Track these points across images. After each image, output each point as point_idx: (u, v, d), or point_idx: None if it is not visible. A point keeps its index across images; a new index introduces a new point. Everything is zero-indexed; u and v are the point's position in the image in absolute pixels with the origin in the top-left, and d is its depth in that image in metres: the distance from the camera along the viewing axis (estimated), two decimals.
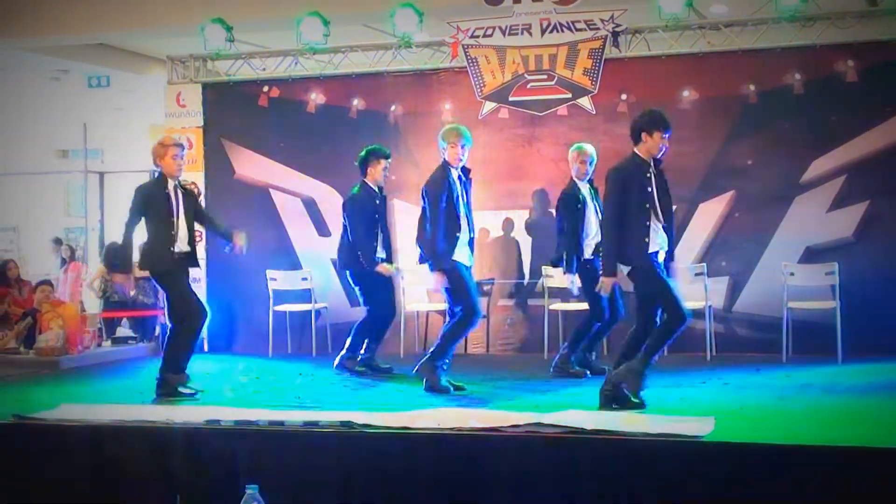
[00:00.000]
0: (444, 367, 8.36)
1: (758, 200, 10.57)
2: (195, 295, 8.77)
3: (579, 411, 7.21)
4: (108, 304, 12.66)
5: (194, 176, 11.84)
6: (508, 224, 11.31)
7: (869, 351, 9.61)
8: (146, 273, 9.02)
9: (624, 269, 7.46)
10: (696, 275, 10.07)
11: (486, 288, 11.10)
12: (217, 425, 7.12)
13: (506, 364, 9.18)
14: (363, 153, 9.58)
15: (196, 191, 9.19)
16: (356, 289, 9.68)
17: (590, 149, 9.27)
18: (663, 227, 7.44)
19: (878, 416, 6.99)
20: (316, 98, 11.76)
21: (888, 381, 8.44)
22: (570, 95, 10.88)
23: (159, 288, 9.14)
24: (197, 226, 8.79)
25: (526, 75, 10.98)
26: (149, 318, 12.16)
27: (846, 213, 10.34)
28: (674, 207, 7.77)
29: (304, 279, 11.13)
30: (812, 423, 6.85)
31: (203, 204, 11.21)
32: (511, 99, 11.04)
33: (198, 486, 6.72)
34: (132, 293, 8.92)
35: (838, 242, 10.32)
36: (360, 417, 7.04)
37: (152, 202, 8.50)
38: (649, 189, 7.38)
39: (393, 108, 11.57)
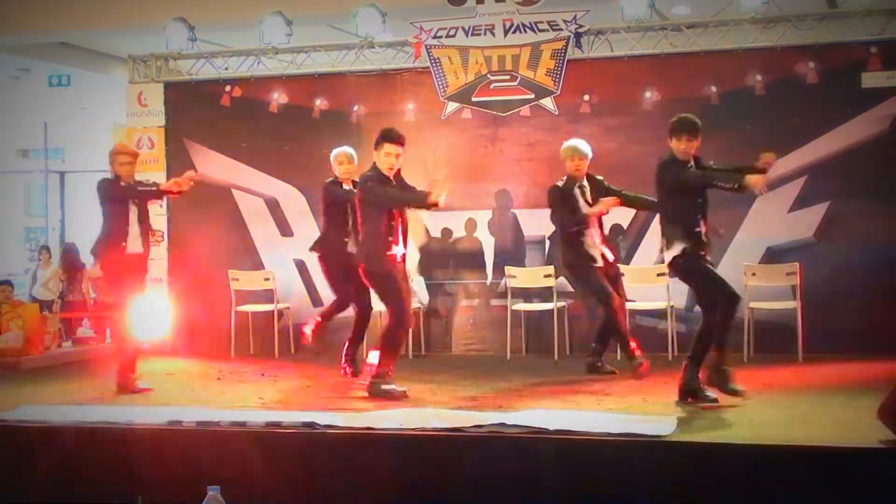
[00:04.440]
0: None
1: (719, 201, 10.53)
2: None
3: (542, 411, 7.23)
4: (66, 305, 12.57)
5: (156, 176, 11.78)
6: (471, 224, 11.30)
7: (829, 350, 9.69)
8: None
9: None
10: (659, 275, 10.11)
11: (448, 289, 11.10)
12: (179, 426, 7.09)
13: (469, 364, 9.17)
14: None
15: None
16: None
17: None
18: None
19: (838, 415, 7.04)
20: (278, 98, 11.71)
21: (848, 380, 8.51)
22: (532, 96, 10.90)
23: None
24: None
25: (489, 76, 10.99)
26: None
27: (807, 213, 10.42)
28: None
29: (267, 279, 11.08)
30: (772, 422, 6.89)
31: (164, 204, 11.17)
32: (474, 99, 11.04)
33: (159, 487, 6.67)
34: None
35: (799, 243, 10.40)
36: (323, 418, 7.03)
37: None
38: None
39: (356, 108, 11.53)
